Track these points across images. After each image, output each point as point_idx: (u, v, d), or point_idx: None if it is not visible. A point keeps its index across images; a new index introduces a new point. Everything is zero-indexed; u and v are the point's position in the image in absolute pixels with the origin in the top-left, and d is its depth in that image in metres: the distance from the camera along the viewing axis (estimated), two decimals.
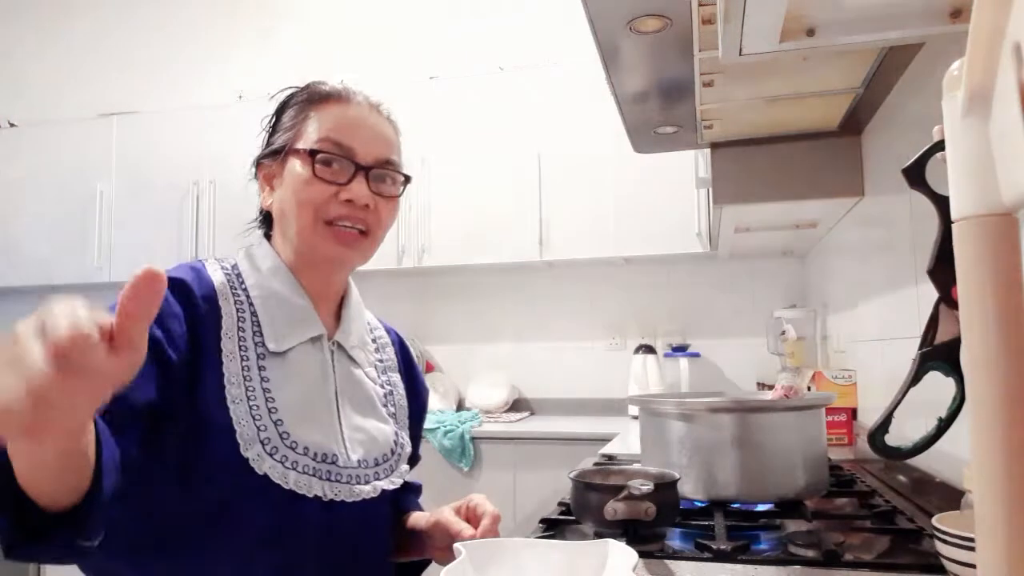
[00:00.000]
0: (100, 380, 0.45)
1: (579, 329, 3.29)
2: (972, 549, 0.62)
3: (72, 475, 0.58)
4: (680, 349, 3.03)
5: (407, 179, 0.94)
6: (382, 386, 0.98)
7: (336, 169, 0.87)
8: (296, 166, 0.88)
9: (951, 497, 0.97)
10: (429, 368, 3.35)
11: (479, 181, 3.06)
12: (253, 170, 0.96)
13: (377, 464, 0.90)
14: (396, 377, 1.02)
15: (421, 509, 1.06)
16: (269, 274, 0.89)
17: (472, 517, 0.92)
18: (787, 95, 1.41)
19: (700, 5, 1.03)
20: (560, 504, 1.13)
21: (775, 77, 1.31)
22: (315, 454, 0.83)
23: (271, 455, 0.80)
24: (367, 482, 0.88)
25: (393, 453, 0.94)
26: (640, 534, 0.91)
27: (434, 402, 3.14)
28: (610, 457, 1.68)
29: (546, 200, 3.00)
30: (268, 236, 0.96)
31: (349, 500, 0.85)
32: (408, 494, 1.06)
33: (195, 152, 3.43)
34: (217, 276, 0.87)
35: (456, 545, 0.74)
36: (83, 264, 3.51)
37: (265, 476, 0.79)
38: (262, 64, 3.62)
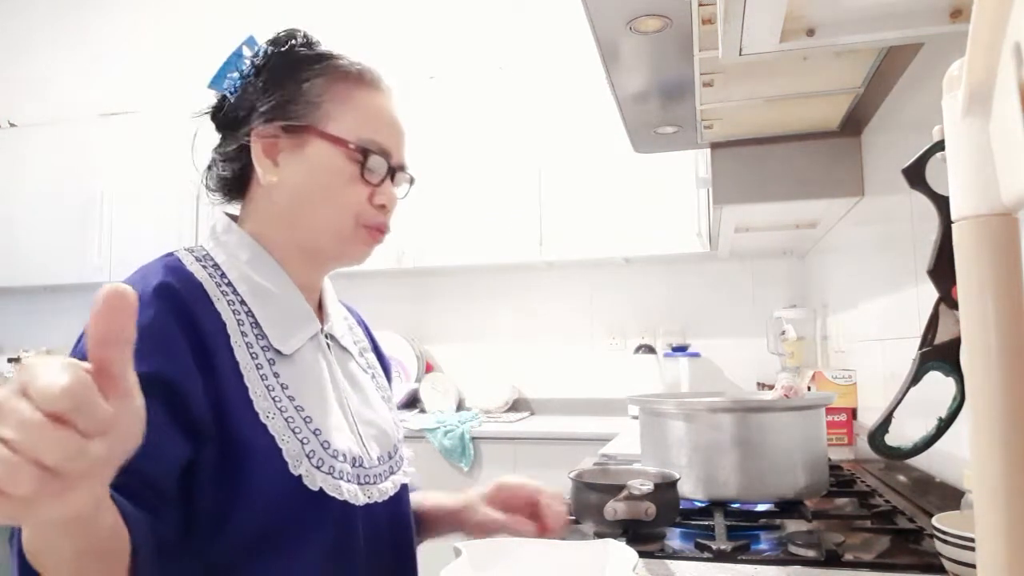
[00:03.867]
0: (107, 435, 0.39)
1: (579, 329, 3.29)
2: (972, 549, 0.62)
3: (99, 566, 0.54)
4: (680, 349, 3.03)
5: (412, 181, 0.90)
6: (366, 370, 0.94)
7: (374, 169, 0.82)
8: (332, 157, 0.80)
9: (951, 497, 0.97)
10: (429, 368, 3.35)
11: (479, 181, 3.06)
12: (245, 130, 0.82)
13: (391, 458, 0.88)
14: (373, 358, 0.99)
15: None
16: (250, 266, 0.81)
17: (521, 505, 0.92)
18: (787, 95, 1.41)
19: (700, 5, 1.03)
20: None
21: (775, 77, 1.31)
22: (351, 459, 0.79)
23: (318, 468, 0.75)
24: (387, 478, 0.85)
25: (400, 443, 0.92)
26: (640, 534, 0.91)
27: (434, 402, 3.14)
28: (610, 457, 1.68)
29: (546, 200, 3.00)
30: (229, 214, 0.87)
31: (381, 501, 0.82)
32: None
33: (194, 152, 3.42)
34: (197, 271, 0.77)
35: (456, 545, 0.74)
36: (83, 264, 3.50)
37: (320, 491, 0.74)
38: None
